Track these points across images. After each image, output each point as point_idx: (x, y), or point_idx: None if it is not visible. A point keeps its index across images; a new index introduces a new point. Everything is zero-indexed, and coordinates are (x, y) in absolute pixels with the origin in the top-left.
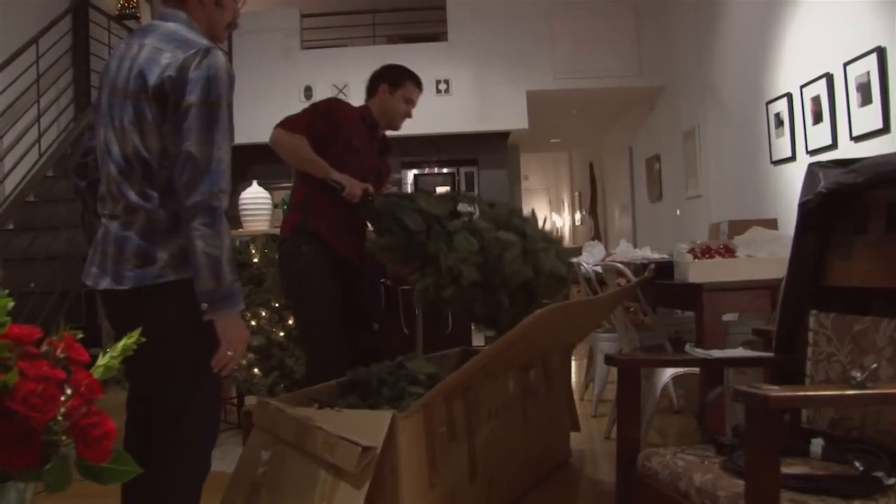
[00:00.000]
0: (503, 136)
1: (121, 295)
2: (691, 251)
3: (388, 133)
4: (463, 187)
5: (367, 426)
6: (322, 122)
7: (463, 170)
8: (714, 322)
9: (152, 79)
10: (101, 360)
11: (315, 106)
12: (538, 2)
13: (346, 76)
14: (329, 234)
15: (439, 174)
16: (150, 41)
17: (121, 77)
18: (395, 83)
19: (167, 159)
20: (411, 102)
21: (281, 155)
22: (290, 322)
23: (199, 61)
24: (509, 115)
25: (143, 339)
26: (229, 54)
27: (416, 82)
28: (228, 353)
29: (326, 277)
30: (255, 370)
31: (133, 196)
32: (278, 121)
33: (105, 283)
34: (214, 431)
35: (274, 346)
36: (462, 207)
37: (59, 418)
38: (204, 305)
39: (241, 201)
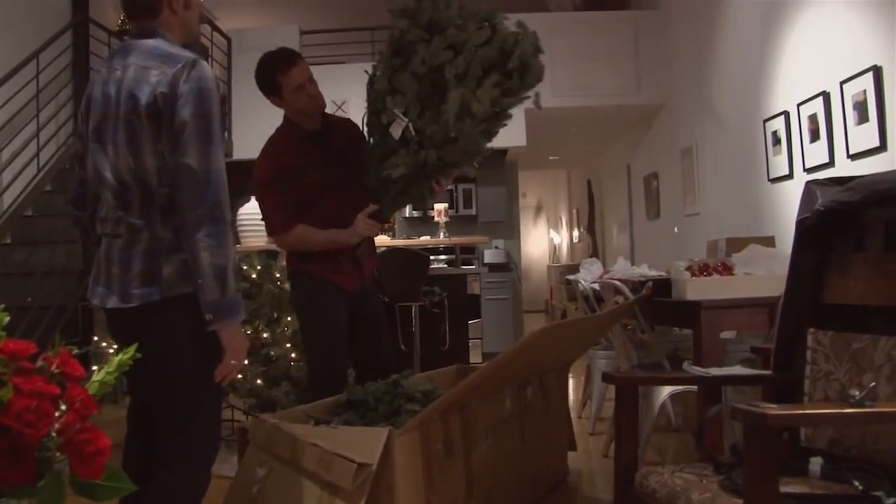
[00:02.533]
0: (501, 153)
1: (128, 313)
2: (689, 269)
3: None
4: (461, 204)
5: (363, 443)
6: (286, 188)
7: (461, 187)
8: (712, 340)
9: (144, 97)
10: (97, 376)
11: (266, 184)
12: (537, 19)
13: (345, 93)
14: (323, 274)
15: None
16: (134, 60)
17: (109, 101)
18: (273, 89)
19: (166, 177)
20: (302, 86)
21: (303, 251)
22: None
23: (188, 74)
24: (507, 133)
25: (150, 354)
26: (228, 70)
27: (285, 67)
28: (232, 361)
29: (327, 306)
30: (259, 381)
31: (134, 218)
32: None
33: (112, 302)
34: (215, 446)
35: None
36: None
37: (53, 434)
38: (209, 316)
39: (239, 217)
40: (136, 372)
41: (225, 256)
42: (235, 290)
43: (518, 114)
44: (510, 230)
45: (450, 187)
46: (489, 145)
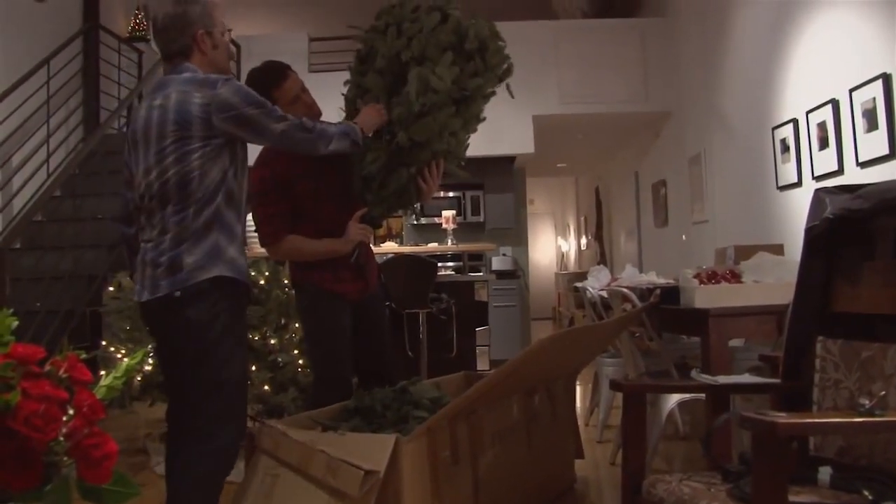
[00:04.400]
0: (509, 160)
1: (156, 303)
2: (697, 276)
3: None
4: (469, 211)
5: (370, 450)
6: (279, 198)
7: (469, 193)
8: (720, 348)
9: (193, 111)
10: (105, 381)
11: (258, 195)
12: (545, 26)
13: None
14: (325, 284)
15: (445, 198)
16: (174, 88)
17: (154, 125)
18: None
19: (207, 175)
20: (297, 97)
21: (296, 261)
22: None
23: (226, 87)
24: (515, 140)
25: (176, 338)
26: (237, 77)
27: (278, 81)
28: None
29: (330, 315)
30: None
31: (171, 217)
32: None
33: (145, 296)
34: (239, 425)
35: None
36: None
37: (61, 439)
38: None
39: (249, 223)
40: (165, 358)
41: (339, 142)
42: (346, 130)
43: (526, 121)
44: (518, 237)
45: (457, 194)
46: (495, 155)
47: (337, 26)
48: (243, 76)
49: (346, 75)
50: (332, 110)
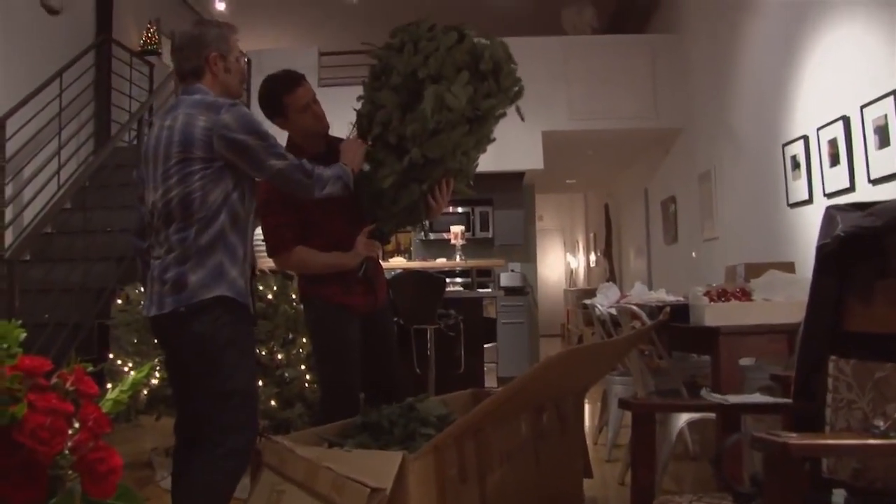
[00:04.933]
0: (518, 176)
1: (163, 318)
2: (707, 294)
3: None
4: (478, 227)
5: (376, 467)
6: (286, 208)
7: (478, 209)
8: (731, 367)
9: (196, 134)
10: (111, 394)
11: (266, 204)
12: (555, 42)
13: None
14: (335, 297)
15: (454, 214)
16: (182, 111)
17: (162, 145)
18: (278, 110)
19: (208, 196)
20: (308, 106)
21: (304, 274)
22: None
23: (230, 113)
24: (525, 156)
25: (184, 350)
26: (248, 91)
27: (291, 87)
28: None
29: (339, 329)
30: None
31: (173, 235)
32: None
33: (152, 311)
34: (247, 434)
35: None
36: None
37: (66, 452)
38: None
39: (256, 237)
40: (173, 370)
41: (333, 186)
42: (338, 174)
43: (535, 137)
44: (527, 253)
45: (466, 210)
46: (501, 170)
47: (347, 41)
48: (255, 91)
49: (356, 90)
50: (341, 124)
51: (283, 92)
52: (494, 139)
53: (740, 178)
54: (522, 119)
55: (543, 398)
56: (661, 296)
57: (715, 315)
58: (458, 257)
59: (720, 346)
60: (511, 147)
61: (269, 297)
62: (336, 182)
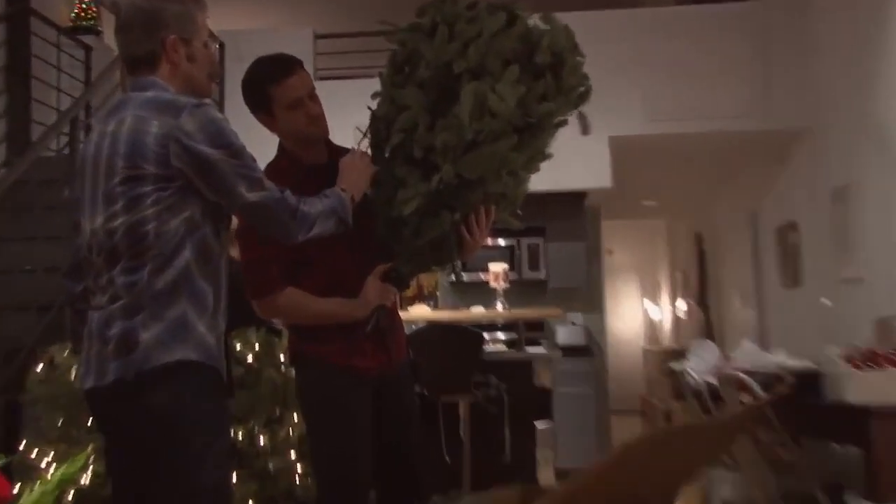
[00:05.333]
0: (578, 197)
1: (105, 391)
2: (849, 358)
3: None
4: (525, 265)
5: None
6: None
7: (525, 241)
8: (892, 463)
9: (145, 149)
10: (26, 499)
11: (249, 230)
12: (626, 17)
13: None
14: (337, 357)
15: (494, 248)
16: (131, 112)
17: (104, 157)
18: (261, 103)
19: (165, 225)
20: (299, 102)
21: (296, 327)
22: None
23: (193, 117)
24: (586, 170)
25: (130, 440)
26: (220, 85)
27: (279, 75)
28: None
29: (342, 401)
30: None
31: (120, 277)
32: None
33: (90, 382)
34: None
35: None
36: None
37: None
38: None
39: None
40: (116, 462)
41: (323, 225)
42: (337, 203)
43: (600, 144)
44: (591, 300)
45: (510, 242)
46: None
47: (349, 21)
48: (228, 83)
49: (361, 85)
50: (341, 129)
51: (268, 80)
52: (550, 155)
53: (894, 196)
54: (585, 131)
55: (618, 502)
56: (780, 359)
57: (862, 388)
58: (499, 306)
59: (874, 432)
60: (568, 158)
61: (250, 359)
62: (328, 219)
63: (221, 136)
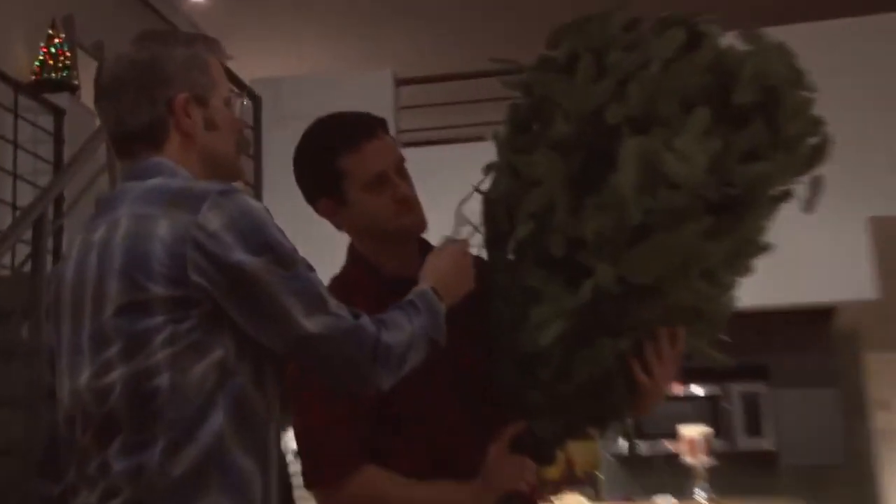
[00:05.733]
0: (822, 315)
1: None
2: None
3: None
4: (739, 427)
5: None
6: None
7: (736, 388)
8: None
9: (150, 262)
10: None
11: (314, 383)
12: (870, 25)
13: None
14: None
15: (687, 398)
16: (128, 210)
17: (89, 281)
18: (328, 183)
19: (184, 376)
20: (384, 179)
21: None
22: None
23: (219, 211)
24: (833, 273)
25: None
26: (256, 158)
27: (355, 141)
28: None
29: None
30: None
31: (118, 460)
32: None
33: None
34: None
35: None
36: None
37: None
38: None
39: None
40: None
41: (417, 355)
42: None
43: (855, 230)
44: (855, 485)
45: (712, 390)
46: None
47: (438, 62)
48: (267, 154)
49: (461, 151)
50: (433, 219)
51: (338, 148)
52: (770, 247)
53: None
54: (809, 208)
55: None
56: None
57: None
58: (699, 494)
59: None
60: (803, 256)
61: None
62: (419, 348)
63: (261, 234)
